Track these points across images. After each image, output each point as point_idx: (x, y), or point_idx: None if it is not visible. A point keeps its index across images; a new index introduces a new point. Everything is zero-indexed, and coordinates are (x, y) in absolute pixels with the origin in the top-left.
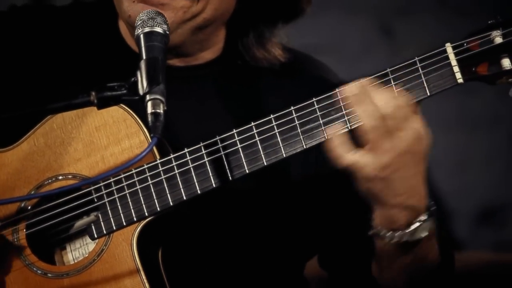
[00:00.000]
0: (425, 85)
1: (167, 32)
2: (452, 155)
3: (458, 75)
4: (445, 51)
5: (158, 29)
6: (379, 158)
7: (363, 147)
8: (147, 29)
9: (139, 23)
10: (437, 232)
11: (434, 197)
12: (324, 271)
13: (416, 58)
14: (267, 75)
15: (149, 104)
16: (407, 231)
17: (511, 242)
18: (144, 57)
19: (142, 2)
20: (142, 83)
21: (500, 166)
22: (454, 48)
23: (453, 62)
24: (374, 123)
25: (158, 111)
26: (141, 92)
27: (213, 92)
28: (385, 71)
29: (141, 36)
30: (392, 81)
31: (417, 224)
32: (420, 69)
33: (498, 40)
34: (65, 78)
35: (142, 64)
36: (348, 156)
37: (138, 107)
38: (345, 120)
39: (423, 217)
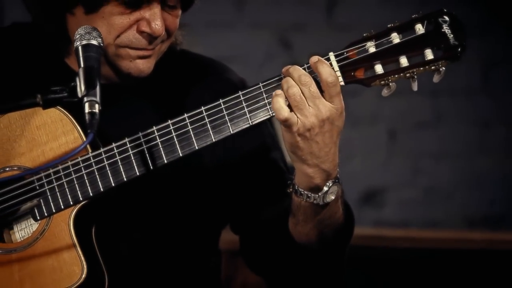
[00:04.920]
0: None
1: (101, 44)
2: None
3: (340, 79)
4: (329, 59)
5: (94, 42)
6: (304, 121)
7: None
8: (84, 42)
9: (77, 36)
10: (342, 198)
11: None
12: (237, 235)
13: (305, 65)
14: (180, 82)
15: (87, 105)
16: (319, 194)
17: (387, 220)
18: (82, 65)
19: (138, 59)
20: (81, 87)
21: (378, 156)
22: (336, 56)
23: (336, 68)
24: (290, 93)
25: (94, 110)
26: (79, 95)
27: (137, 99)
28: (279, 76)
29: (80, 47)
30: None
31: (326, 188)
32: (308, 73)
33: (372, 49)
34: (7, 93)
35: (81, 71)
36: (285, 111)
37: (73, 108)
38: (247, 117)
39: (330, 182)
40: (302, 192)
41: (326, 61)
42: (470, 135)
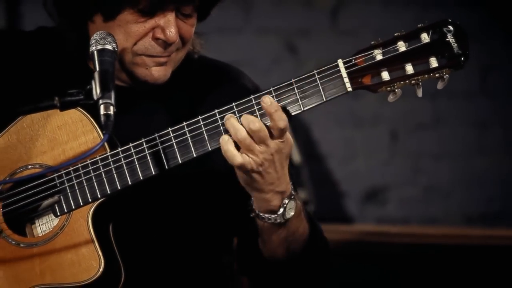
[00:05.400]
0: (322, 93)
1: (116, 49)
2: (343, 147)
3: (348, 85)
4: (337, 66)
5: (109, 47)
6: (255, 159)
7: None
8: (99, 47)
9: (93, 42)
10: (304, 210)
11: (328, 181)
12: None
13: (315, 71)
14: (195, 86)
15: (102, 107)
16: (279, 213)
17: (389, 216)
18: (97, 69)
19: (154, 66)
20: (96, 90)
21: (381, 156)
22: (344, 63)
23: (344, 74)
24: (240, 137)
25: (109, 112)
26: (95, 97)
27: (155, 100)
28: (290, 81)
29: (95, 52)
30: (295, 90)
31: (283, 206)
32: (318, 80)
33: (379, 57)
34: (33, 94)
35: (96, 75)
36: (238, 158)
37: (92, 109)
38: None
39: (286, 200)
40: (263, 216)
41: (278, 107)
42: (468, 136)
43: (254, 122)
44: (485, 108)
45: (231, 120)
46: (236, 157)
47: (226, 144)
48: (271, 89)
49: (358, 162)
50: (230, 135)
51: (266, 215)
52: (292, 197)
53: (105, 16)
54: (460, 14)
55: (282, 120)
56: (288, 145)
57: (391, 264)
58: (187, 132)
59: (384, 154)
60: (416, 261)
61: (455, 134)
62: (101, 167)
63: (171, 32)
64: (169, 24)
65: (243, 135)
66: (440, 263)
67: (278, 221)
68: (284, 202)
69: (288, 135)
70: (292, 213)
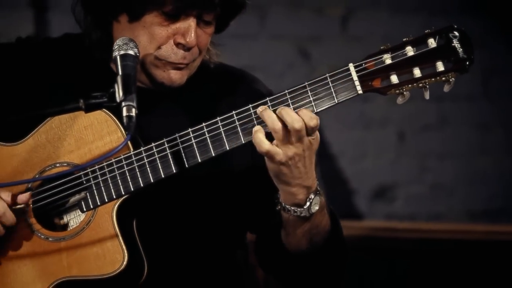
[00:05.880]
0: (334, 95)
1: (137, 54)
2: (353, 147)
3: (359, 88)
4: (348, 69)
5: (131, 52)
6: (287, 151)
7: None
8: (122, 52)
9: (116, 47)
10: (327, 206)
11: (339, 179)
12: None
13: (327, 75)
14: (213, 90)
15: (124, 109)
16: (305, 207)
17: (397, 213)
18: (120, 73)
19: (172, 69)
20: (119, 93)
21: (388, 155)
22: (355, 67)
23: (355, 77)
24: (277, 128)
25: (131, 114)
26: (118, 100)
27: (176, 103)
28: (303, 84)
29: (118, 57)
30: (309, 92)
31: (309, 201)
32: (330, 83)
33: (388, 61)
34: (59, 97)
35: (119, 79)
36: (265, 144)
37: (116, 111)
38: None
39: (312, 195)
40: (289, 209)
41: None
42: (471, 136)
43: (298, 122)
44: (487, 111)
45: (267, 111)
46: (264, 143)
47: (257, 132)
48: (286, 91)
49: (367, 161)
50: (262, 126)
51: (292, 208)
52: (318, 192)
53: (130, 16)
54: (464, 20)
55: (314, 119)
56: (317, 141)
57: (399, 258)
58: (206, 132)
59: (391, 154)
60: (422, 255)
61: (459, 135)
62: (125, 165)
63: (191, 37)
64: (190, 29)
65: (280, 126)
66: (445, 257)
67: (303, 214)
68: (310, 197)
69: (317, 132)
70: (317, 208)
